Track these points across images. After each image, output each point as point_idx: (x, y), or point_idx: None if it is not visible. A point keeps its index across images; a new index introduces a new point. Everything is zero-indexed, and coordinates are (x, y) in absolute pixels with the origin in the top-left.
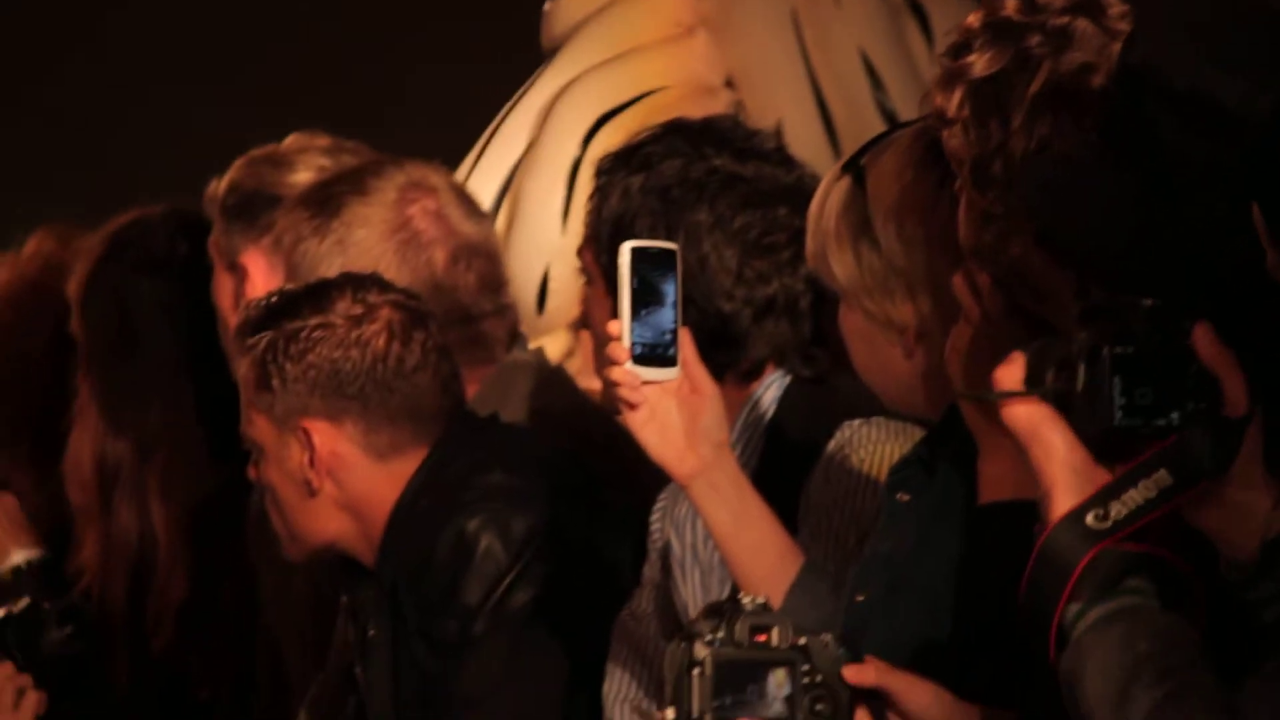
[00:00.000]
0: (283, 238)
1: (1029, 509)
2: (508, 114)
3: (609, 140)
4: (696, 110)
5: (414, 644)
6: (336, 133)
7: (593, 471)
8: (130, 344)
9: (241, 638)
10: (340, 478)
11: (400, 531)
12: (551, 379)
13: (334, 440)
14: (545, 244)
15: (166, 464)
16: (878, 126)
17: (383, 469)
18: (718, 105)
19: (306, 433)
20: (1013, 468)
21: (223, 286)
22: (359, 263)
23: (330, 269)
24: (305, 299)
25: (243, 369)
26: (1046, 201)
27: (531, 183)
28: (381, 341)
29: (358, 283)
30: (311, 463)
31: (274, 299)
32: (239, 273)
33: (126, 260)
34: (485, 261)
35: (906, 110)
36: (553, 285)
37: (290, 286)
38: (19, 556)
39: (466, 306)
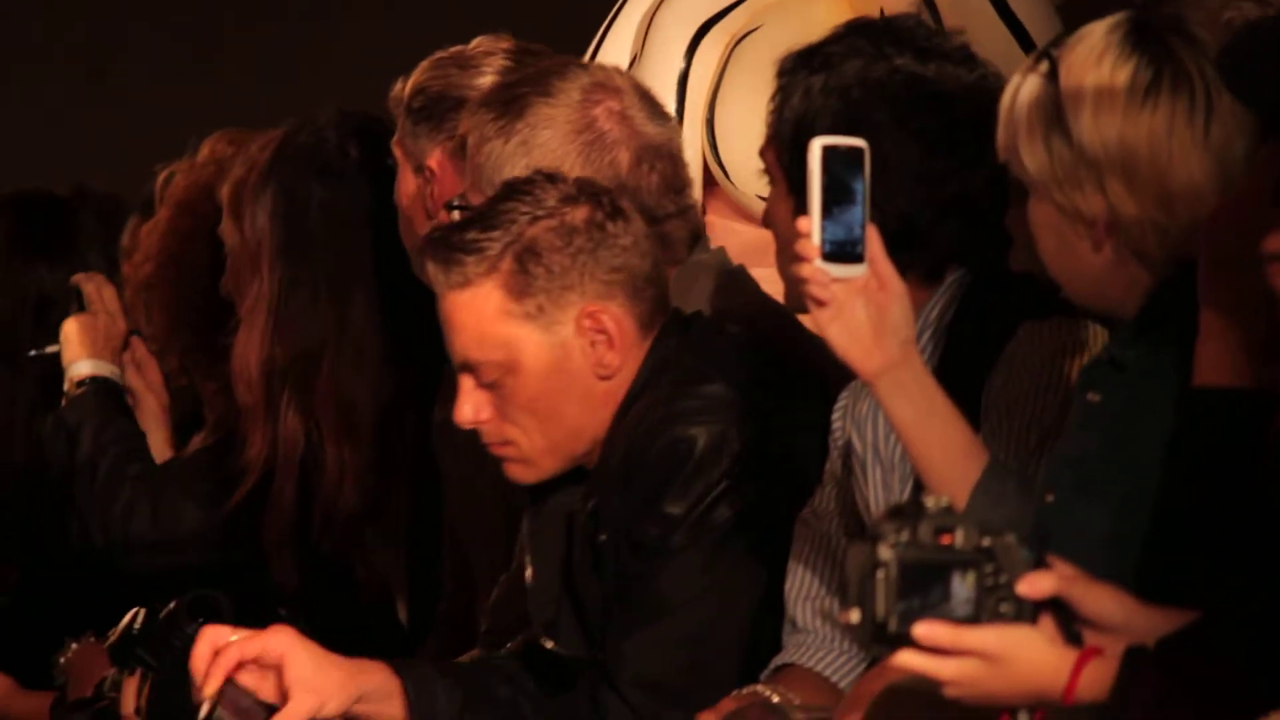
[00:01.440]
0: (467, 139)
1: (1249, 396)
2: (607, 30)
3: (712, 48)
4: (798, 8)
5: (617, 541)
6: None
7: (790, 371)
8: (301, 246)
9: (415, 543)
10: (624, 356)
11: (622, 427)
12: (733, 279)
13: (617, 319)
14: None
15: (334, 367)
16: (984, 11)
17: (638, 351)
18: (817, 3)
19: (594, 316)
20: (1236, 352)
21: (407, 188)
22: (543, 163)
23: (514, 170)
24: (520, 199)
25: (480, 292)
26: None
27: None
28: (619, 224)
29: (554, 176)
30: (610, 343)
31: (489, 210)
32: (425, 174)
33: (298, 163)
34: (668, 163)
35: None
36: None
37: (496, 194)
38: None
39: (650, 208)
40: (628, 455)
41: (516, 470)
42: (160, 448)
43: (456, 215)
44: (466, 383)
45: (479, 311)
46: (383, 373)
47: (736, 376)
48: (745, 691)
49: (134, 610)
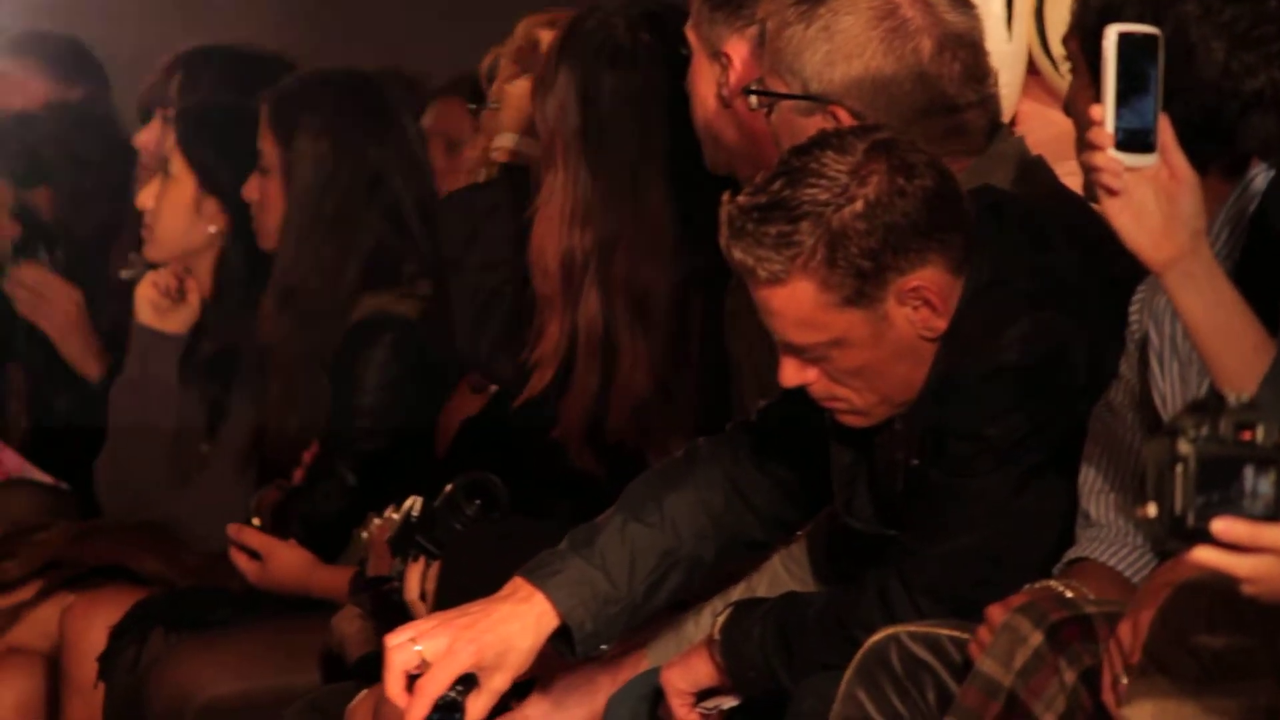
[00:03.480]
0: (766, 24)
1: None
2: None
3: None
4: None
5: (928, 451)
6: None
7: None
8: (595, 135)
9: (703, 431)
10: (946, 311)
11: (942, 352)
12: (1031, 170)
13: (934, 281)
14: (991, 51)
15: (630, 255)
16: None
17: (957, 288)
18: None
19: (914, 289)
20: None
21: (702, 74)
22: (844, 50)
23: (814, 56)
24: (817, 182)
25: (796, 288)
26: None
27: None
28: (913, 178)
29: (838, 137)
30: (933, 308)
31: (788, 197)
32: (722, 61)
33: (587, 51)
34: (970, 52)
35: None
36: (1000, 90)
37: (787, 168)
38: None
39: (951, 96)
40: (946, 377)
41: (849, 419)
42: None
43: (754, 100)
44: (789, 355)
45: (796, 303)
46: (675, 259)
47: (1059, 300)
48: (1038, 586)
49: (410, 499)
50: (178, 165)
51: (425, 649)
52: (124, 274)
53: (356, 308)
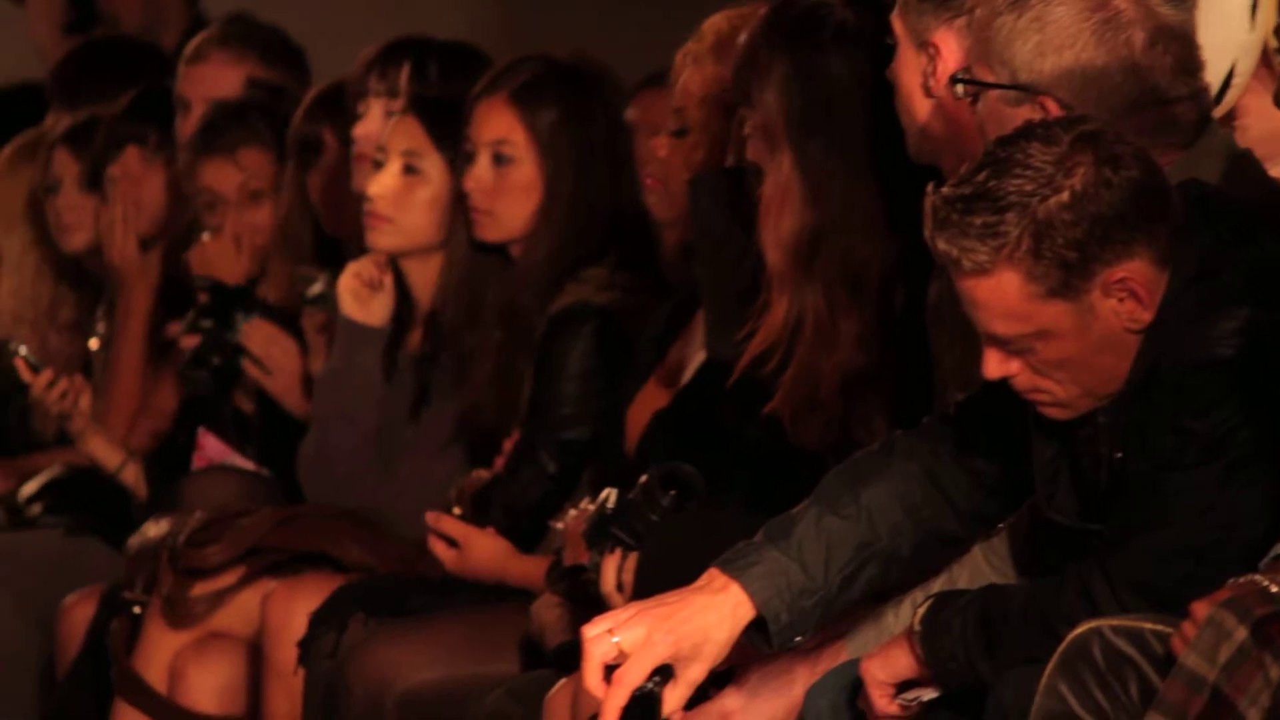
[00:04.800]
0: (975, 13)
1: None
2: None
3: None
4: None
5: (1133, 445)
6: None
7: None
8: (822, 115)
9: (905, 412)
10: (1152, 304)
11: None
12: (1239, 164)
13: (1141, 273)
14: (1230, 41)
15: (848, 236)
16: None
17: (1162, 281)
18: None
19: (1120, 281)
20: None
21: (908, 64)
22: (1055, 40)
23: (1025, 46)
24: (1021, 173)
25: (1001, 279)
26: None
27: None
28: (1120, 169)
29: (1044, 128)
30: (1139, 301)
31: (993, 188)
32: (929, 51)
33: (798, 37)
34: (1182, 45)
35: None
36: (1235, 80)
37: (991, 159)
38: None
39: (1161, 89)
40: (1153, 370)
41: (1052, 412)
42: None
43: (960, 90)
44: (992, 347)
45: (1000, 295)
46: (886, 242)
47: (1262, 290)
48: (1243, 581)
49: (605, 490)
50: (430, 158)
51: (622, 640)
52: (310, 292)
53: (559, 297)
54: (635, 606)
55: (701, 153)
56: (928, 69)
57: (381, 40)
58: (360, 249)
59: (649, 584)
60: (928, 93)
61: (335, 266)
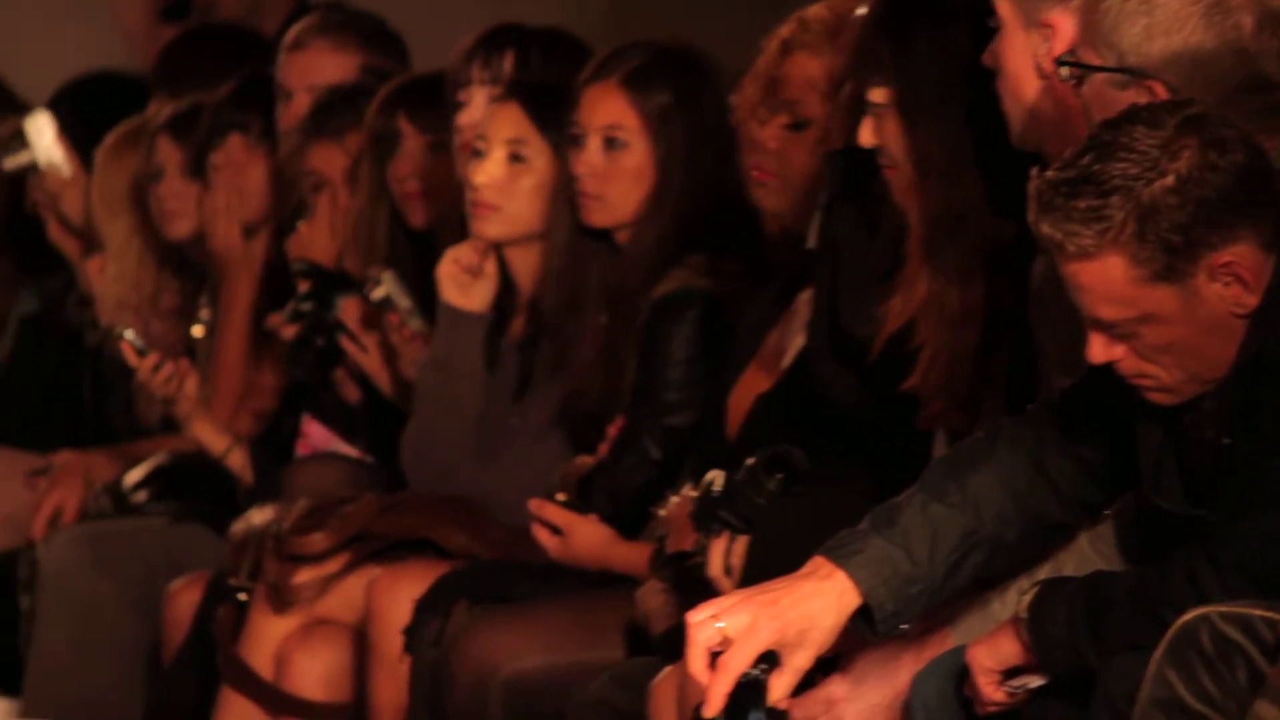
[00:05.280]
0: None
1: None
2: None
3: None
4: None
5: (1240, 430)
6: None
7: None
8: (962, 91)
9: (1013, 398)
10: (1259, 289)
11: (1253, 332)
12: None
13: (1246, 257)
14: None
15: (982, 216)
16: None
17: (1269, 265)
18: None
19: (1225, 265)
20: None
21: (1015, 46)
22: (1164, 23)
23: (1133, 29)
24: (1126, 156)
25: (1105, 263)
26: None
27: None
28: (1225, 153)
29: (1149, 112)
30: (1245, 286)
31: (1097, 172)
32: (1043, 31)
33: (931, 9)
34: None
35: None
36: None
37: (1095, 143)
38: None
39: (1269, 74)
40: (1260, 354)
41: (1157, 397)
42: None
43: (1065, 71)
44: (1097, 331)
45: (1105, 279)
46: (1011, 221)
47: None
48: None
49: (711, 473)
50: (535, 145)
51: (727, 626)
52: (374, 295)
53: (663, 282)
54: (740, 593)
55: (824, 145)
56: (1041, 50)
57: (479, 28)
58: (446, 238)
59: (760, 568)
60: (1040, 74)
61: (415, 258)
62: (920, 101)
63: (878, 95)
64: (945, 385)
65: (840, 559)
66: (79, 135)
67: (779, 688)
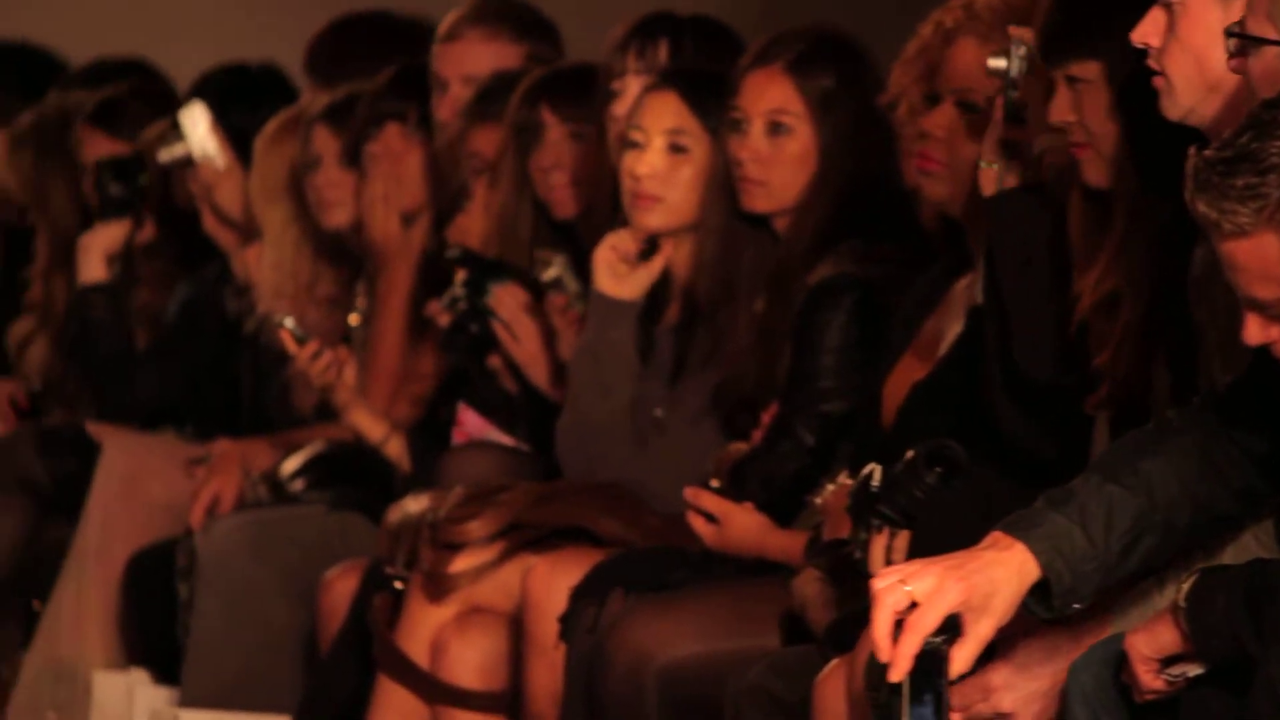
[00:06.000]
0: None
1: None
2: None
3: None
4: None
5: None
6: None
7: None
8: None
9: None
10: None
11: None
12: None
13: None
14: None
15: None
16: None
17: None
18: None
19: None
20: None
21: (1200, 19)
22: None
23: None
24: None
25: (1262, 241)
26: None
27: None
28: None
29: None
30: None
31: (1255, 150)
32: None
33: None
34: None
35: None
36: None
37: (1249, 129)
38: None
39: None
40: None
41: None
42: None
43: (1232, 44)
44: (1253, 312)
45: (1261, 257)
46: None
47: None
48: None
49: (868, 467)
50: (694, 134)
51: (915, 589)
52: (546, 276)
53: (818, 268)
54: (923, 560)
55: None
56: (1234, 25)
57: (632, 18)
58: (590, 228)
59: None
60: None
61: (562, 248)
62: (1132, 73)
63: (1083, 70)
64: (1135, 363)
65: (1019, 532)
66: (232, 126)
67: (961, 658)
